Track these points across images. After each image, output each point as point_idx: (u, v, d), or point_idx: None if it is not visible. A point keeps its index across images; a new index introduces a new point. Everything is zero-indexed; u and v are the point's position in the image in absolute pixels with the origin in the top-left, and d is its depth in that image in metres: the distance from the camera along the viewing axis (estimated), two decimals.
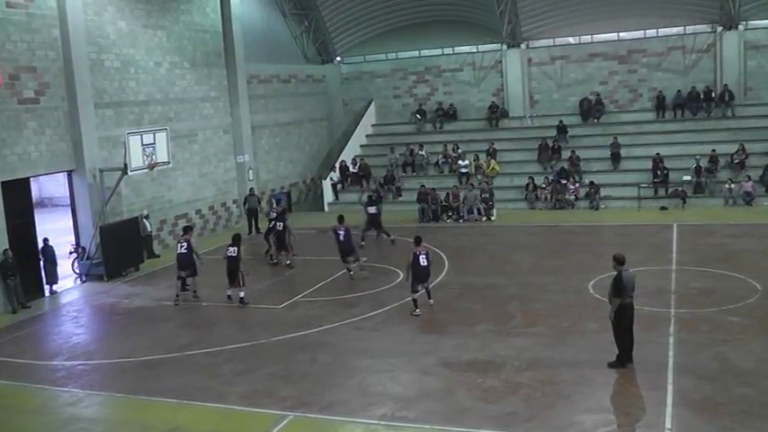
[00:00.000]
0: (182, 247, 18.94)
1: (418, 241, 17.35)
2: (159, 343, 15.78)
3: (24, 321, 18.21)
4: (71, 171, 22.34)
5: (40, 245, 20.75)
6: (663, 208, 27.82)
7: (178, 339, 16.02)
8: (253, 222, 27.90)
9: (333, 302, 18.04)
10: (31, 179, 21.49)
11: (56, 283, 20.88)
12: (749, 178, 27.84)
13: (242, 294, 17.99)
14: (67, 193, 23.16)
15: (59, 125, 21.69)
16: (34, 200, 22.82)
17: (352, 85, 37.75)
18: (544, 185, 29.73)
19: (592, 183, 29.05)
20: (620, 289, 12.53)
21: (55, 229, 23.88)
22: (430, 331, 15.42)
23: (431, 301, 17.11)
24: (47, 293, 20.62)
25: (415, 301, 16.75)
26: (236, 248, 17.73)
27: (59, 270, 21.13)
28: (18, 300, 19.16)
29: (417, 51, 36.67)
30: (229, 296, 18.34)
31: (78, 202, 22.58)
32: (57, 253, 21.08)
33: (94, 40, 23.03)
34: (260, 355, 14.51)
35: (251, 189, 28.98)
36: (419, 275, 16.76)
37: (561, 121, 32.89)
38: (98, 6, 23.24)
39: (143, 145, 22.14)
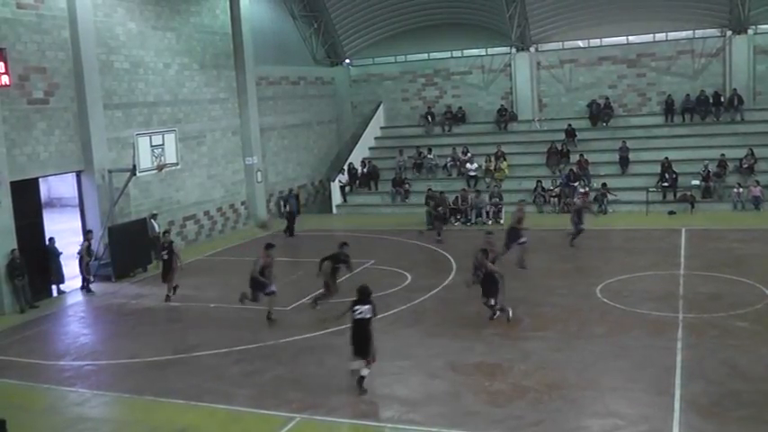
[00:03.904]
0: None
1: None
2: (167, 344, 15.81)
3: (32, 321, 18.27)
4: (80, 171, 22.43)
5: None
6: (671, 212, 27.73)
7: (186, 340, 16.04)
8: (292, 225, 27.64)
9: (340, 304, 17.97)
10: (40, 179, 21.58)
11: (62, 282, 20.95)
12: (757, 183, 27.74)
13: (365, 373, 12.56)
14: (76, 194, 23.23)
15: (69, 126, 21.79)
16: (43, 200, 22.90)
17: (361, 87, 37.80)
18: (552, 188, 29.71)
19: (604, 184, 28.98)
20: None
21: (63, 230, 23.96)
22: (437, 334, 15.39)
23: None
24: (54, 293, 20.69)
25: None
26: (369, 306, 12.75)
27: (65, 270, 21.15)
28: (26, 300, 19.21)
29: (426, 54, 36.70)
30: (358, 374, 12.67)
31: (87, 202, 22.67)
32: (65, 253, 21.15)
33: (104, 42, 23.14)
34: (267, 357, 14.52)
35: (290, 190, 28.88)
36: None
37: (570, 125, 32.84)
38: (108, 8, 23.35)
39: (152, 146, 22.25)
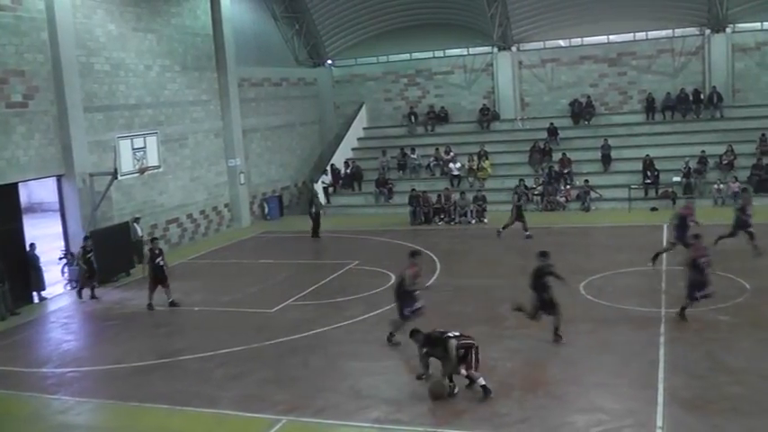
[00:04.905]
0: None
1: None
2: (151, 348, 15.69)
3: (14, 328, 18.01)
4: (60, 176, 22.21)
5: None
6: (653, 209, 27.96)
7: (170, 345, 15.95)
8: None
9: (324, 306, 18.01)
10: (20, 184, 21.37)
11: (43, 289, 20.72)
12: (736, 179, 28.03)
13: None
14: (57, 198, 23.00)
15: (48, 129, 21.58)
16: (23, 205, 22.65)
17: (344, 88, 37.76)
18: (535, 186, 29.86)
19: (587, 181, 29.15)
20: None
21: (45, 235, 23.75)
22: None
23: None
24: (36, 300, 20.46)
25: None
26: None
27: (46, 276, 20.95)
28: (6, 307, 18.92)
29: (408, 54, 36.72)
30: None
31: (68, 207, 22.44)
32: (47, 258, 20.93)
33: (84, 44, 22.94)
34: (252, 360, 14.45)
35: (315, 191, 28.67)
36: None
37: (552, 124, 33.01)
38: (87, 9, 23.15)
39: (133, 149, 22.05)
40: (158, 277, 18.61)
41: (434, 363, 12.38)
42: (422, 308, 14.51)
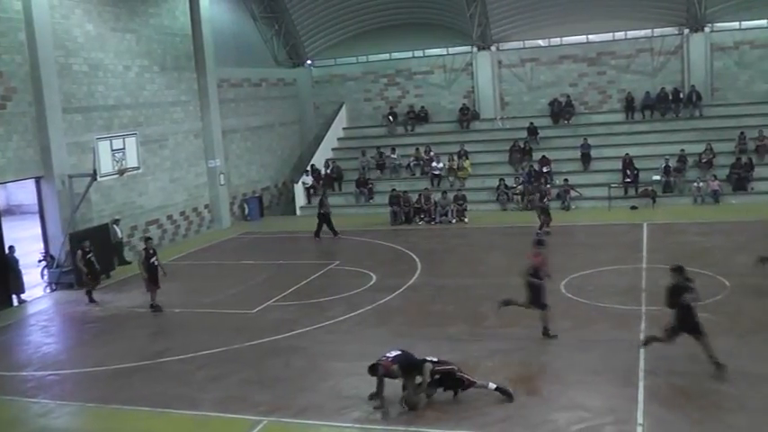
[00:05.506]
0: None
1: None
2: (132, 351, 15.58)
3: None
4: (39, 177, 22.00)
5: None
6: (633, 207, 28.18)
7: (151, 347, 15.85)
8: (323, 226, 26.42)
9: (305, 306, 17.98)
10: None
11: (22, 292, 20.50)
12: (715, 177, 28.31)
13: None
14: (36, 200, 22.77)
15: (27, 131, 21.36)
16: (1, 207, 22.43)
17: (323, 88, 37.70)
18: (515, 185, 29.99)
19: (566, 180, 29.31)
20: None
21: (24, 237, 23.51)
22: (403, 334, 15.39)
23: None
24: (15, 303, 20.23)
25: None
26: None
27: (26, 278, 20.73)
28: None
29: (388, 54, 36.75)
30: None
31: (47, 208, 22.24)
32: (27, 261, 20.71)
33: (62, 44, 22.73)
34: (233, 361, 14.41)
35: (324, 190, 28.66)
36: None
37: (532, 123, 33.17)
38: (65, 9, 22.94)
39: (113, 150, 21.90)
40: (153, 277, 18.50)
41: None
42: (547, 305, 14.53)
